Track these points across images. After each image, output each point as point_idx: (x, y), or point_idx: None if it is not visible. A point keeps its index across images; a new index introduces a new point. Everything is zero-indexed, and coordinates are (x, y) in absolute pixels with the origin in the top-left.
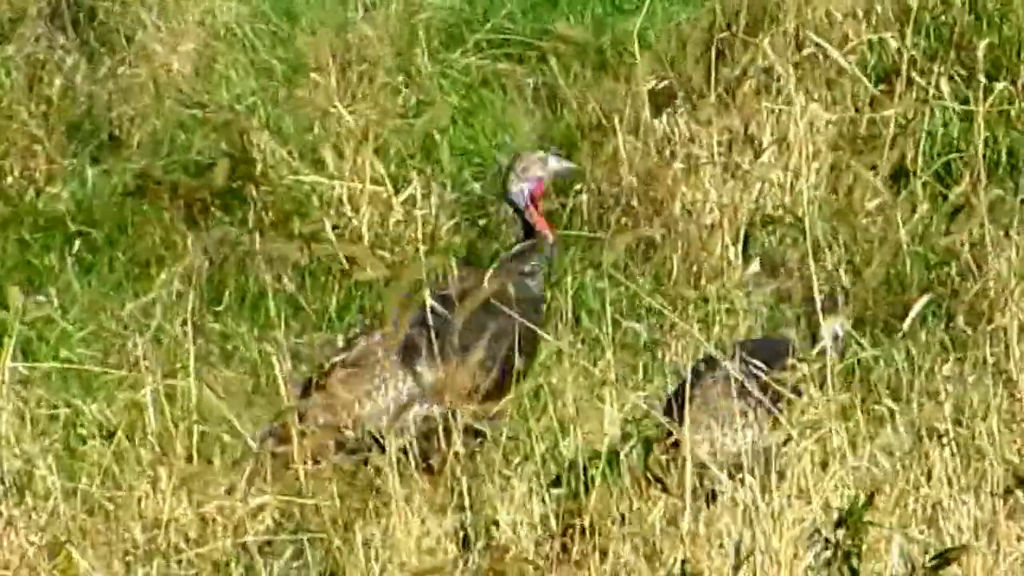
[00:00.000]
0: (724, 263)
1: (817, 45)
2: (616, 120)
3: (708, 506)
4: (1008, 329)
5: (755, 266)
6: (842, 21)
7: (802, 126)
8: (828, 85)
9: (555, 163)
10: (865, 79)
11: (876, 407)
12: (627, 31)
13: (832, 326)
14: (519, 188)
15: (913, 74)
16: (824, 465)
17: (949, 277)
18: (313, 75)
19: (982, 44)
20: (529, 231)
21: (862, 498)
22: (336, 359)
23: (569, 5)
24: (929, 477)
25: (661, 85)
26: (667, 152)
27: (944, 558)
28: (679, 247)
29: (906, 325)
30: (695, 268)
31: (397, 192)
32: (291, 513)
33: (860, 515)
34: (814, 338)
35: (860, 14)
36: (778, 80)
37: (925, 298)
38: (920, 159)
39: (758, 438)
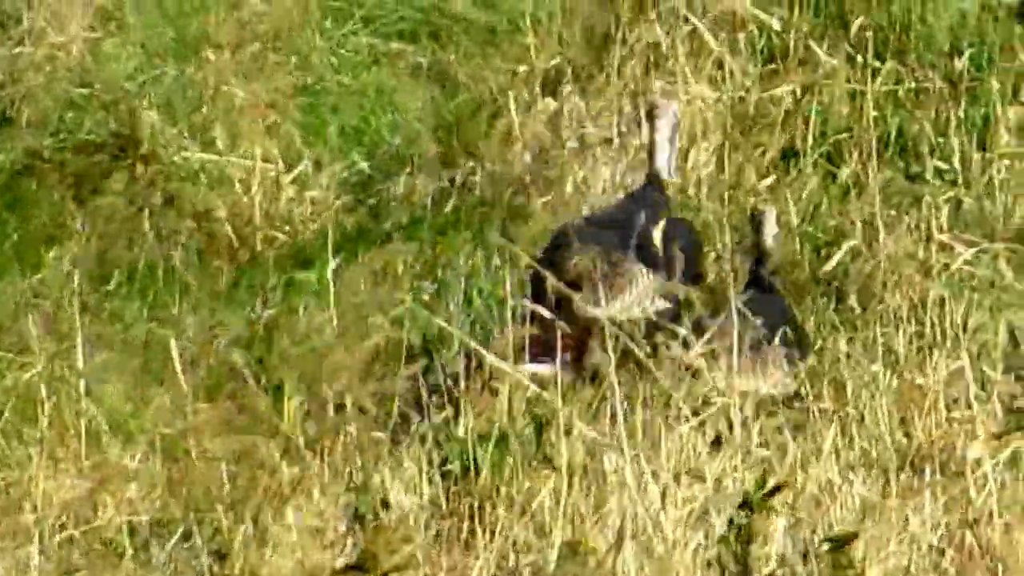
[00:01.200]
0: None
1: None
2: (511, 98)
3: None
4: (897, 310)
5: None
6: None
7: (686, 106)
8: (719, 64)
9: None
10: (741, 59)
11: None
12: (519, 9)
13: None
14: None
15: (802, 53)
16: (717, 442)
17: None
18: (204, 53)
19: (867, 23)
20: None
21: (753, 481)
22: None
23: None
24: (818, 457)
25: (552, 63)
26: (560, 131)
27: (838, 543)
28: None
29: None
30: None
31: (288, 171)
32: (181, 494)
33: (758, 498)
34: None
35: None
36: (667, 60)
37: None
38: (810, 139)
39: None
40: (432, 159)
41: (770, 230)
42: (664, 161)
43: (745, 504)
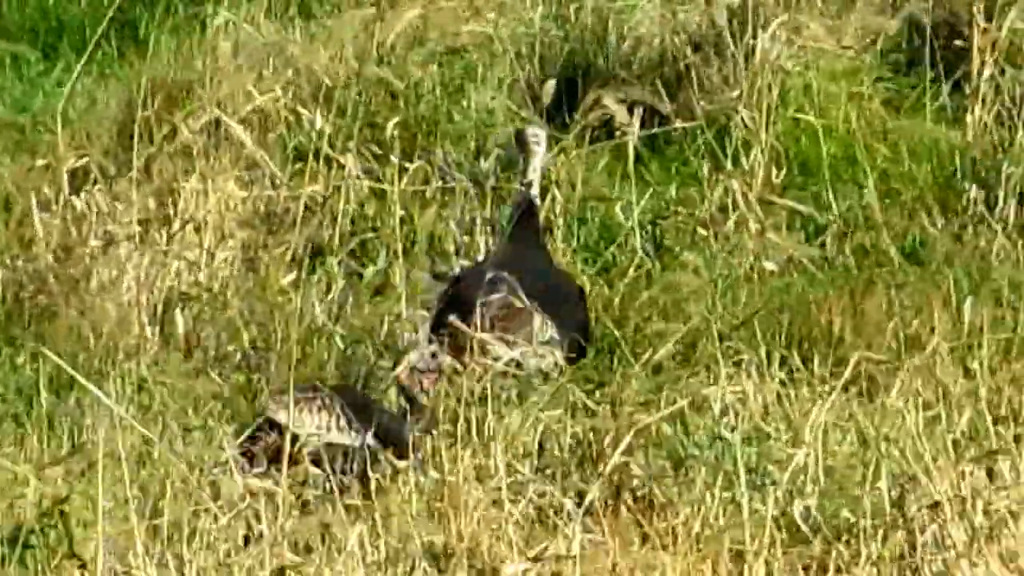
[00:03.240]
0: (142, 340)
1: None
2: (32, 196)
3: None
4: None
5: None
6: (256, 99)
7: (215, 204)
8: (250, 164)
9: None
10: (272, 158)
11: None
12: (49, 110)
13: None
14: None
15: (329, 152)
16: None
17: (366, 355)
18: None
19: (391, 123)
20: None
21: None
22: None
23: None
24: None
25: (81, 162)
26: (84, 229)
27: None
28: (96, 325)
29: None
30: (112, 345)
31: None
32: None
33: None
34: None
35: (280, 92)
36: (200, 158)
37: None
38: (337, 237)
39: None
40: None
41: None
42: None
43: None
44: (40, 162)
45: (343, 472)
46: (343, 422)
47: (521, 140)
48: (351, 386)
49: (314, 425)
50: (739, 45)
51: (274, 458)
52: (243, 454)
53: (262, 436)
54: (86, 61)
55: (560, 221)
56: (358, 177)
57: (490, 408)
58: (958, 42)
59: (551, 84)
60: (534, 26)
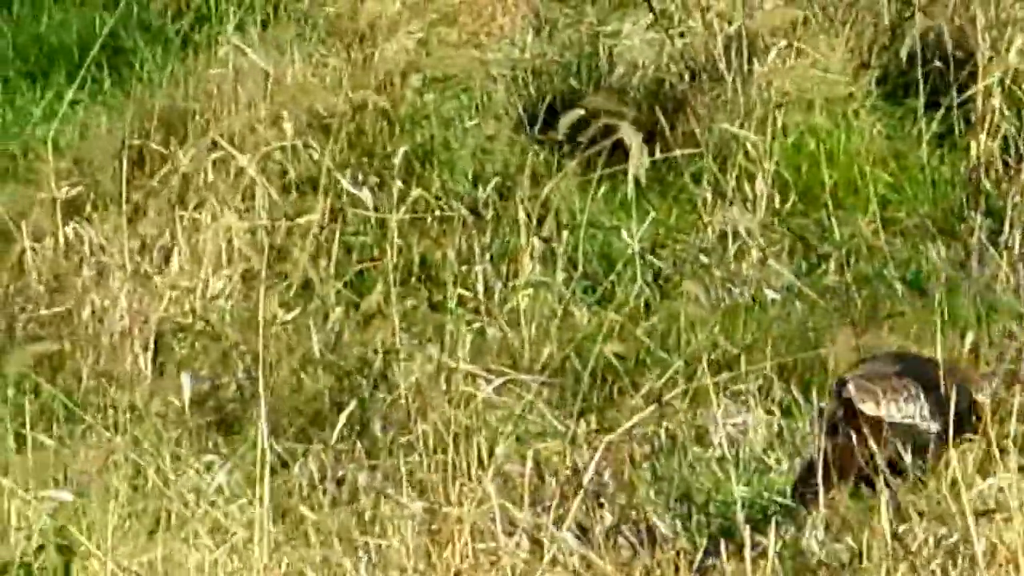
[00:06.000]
0: (135, 371)
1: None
2: (23, 225)
3: None
4: (428, 438)
5: None
6: (255, 129)
7: (212, 235)
8: (248, 195)
9: None
10: (272, 189)
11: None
12: (40, 137)
13: None
14: None
15: (329, 181)
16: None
17: (360, 386)
18: None
19: (400, 151)
20: None
21: None
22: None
23: None
24: None
25: (74, 191)
26: (76, 259)
27: None
28: (88, 356)
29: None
30: (105, 377)
31: None
32: None
33: None
34: None
35: (281, 122)
36: (195, 189)
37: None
38: (333, 267)
39: None
40: None
41: None
42: None
43: None
44: (36, 193)
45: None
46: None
47: None
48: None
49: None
50: (735, 71)
51: None
52: None
53: None
54: (78, 87)
55: (560, 250)
56: (357, 205)
57: (483, 438)
58: (963, 70)
59: (573, 115)
60: (527, 51)
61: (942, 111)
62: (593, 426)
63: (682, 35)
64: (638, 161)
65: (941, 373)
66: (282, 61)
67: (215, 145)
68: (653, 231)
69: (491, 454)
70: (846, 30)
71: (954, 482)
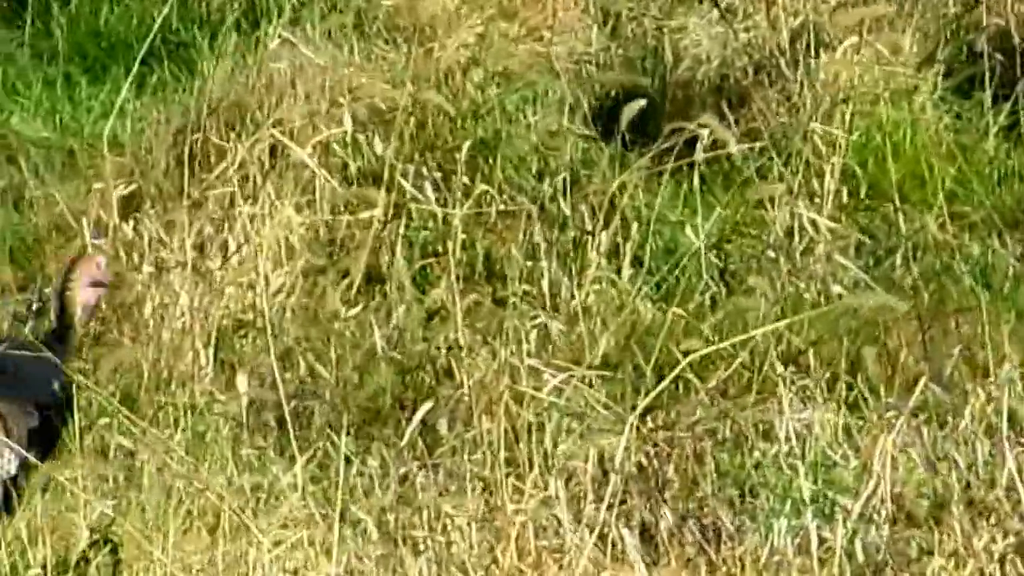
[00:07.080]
0: (195, 368)
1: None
2: (83, 221)
3: None
4: (492, 435)
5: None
6: (313, 124)
7: (271, 230)
8: (308, 189)
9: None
10: (334, 182)
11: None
12: (97, 133)
13: None
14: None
15: (390, 176)
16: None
17: (423, 383)
18: None
19: (465, 146)
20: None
21: None
22: None
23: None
24: None
25: (131, 188)
26: (135, 255)
27: None
28: (149, 352)
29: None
30: (166, 373)
31: None
32: None
33: None
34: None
35: (340, 116)
36: (254, 184)
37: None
38: (397, 263)
39: None
40: (7, 283)
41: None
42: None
43: None
44: (95, 186)
45: None
46: None
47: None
48: None
49: None
50: (801, 65)
51: None
52: None
53: None
54: (136, 83)
55: (626, 246)
56: (421, 200)
57: (548, 436)
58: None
59: (635, 105)
60: (591, 45)
61: (1009, 104)
62: (658, 422)
63: (747, 29)
64: (713, 151)
65: None
66: (340, 55)
67: (275, 140)
68: (718, 226)
69: (555, 451)
70: (912, 23)
71: None
